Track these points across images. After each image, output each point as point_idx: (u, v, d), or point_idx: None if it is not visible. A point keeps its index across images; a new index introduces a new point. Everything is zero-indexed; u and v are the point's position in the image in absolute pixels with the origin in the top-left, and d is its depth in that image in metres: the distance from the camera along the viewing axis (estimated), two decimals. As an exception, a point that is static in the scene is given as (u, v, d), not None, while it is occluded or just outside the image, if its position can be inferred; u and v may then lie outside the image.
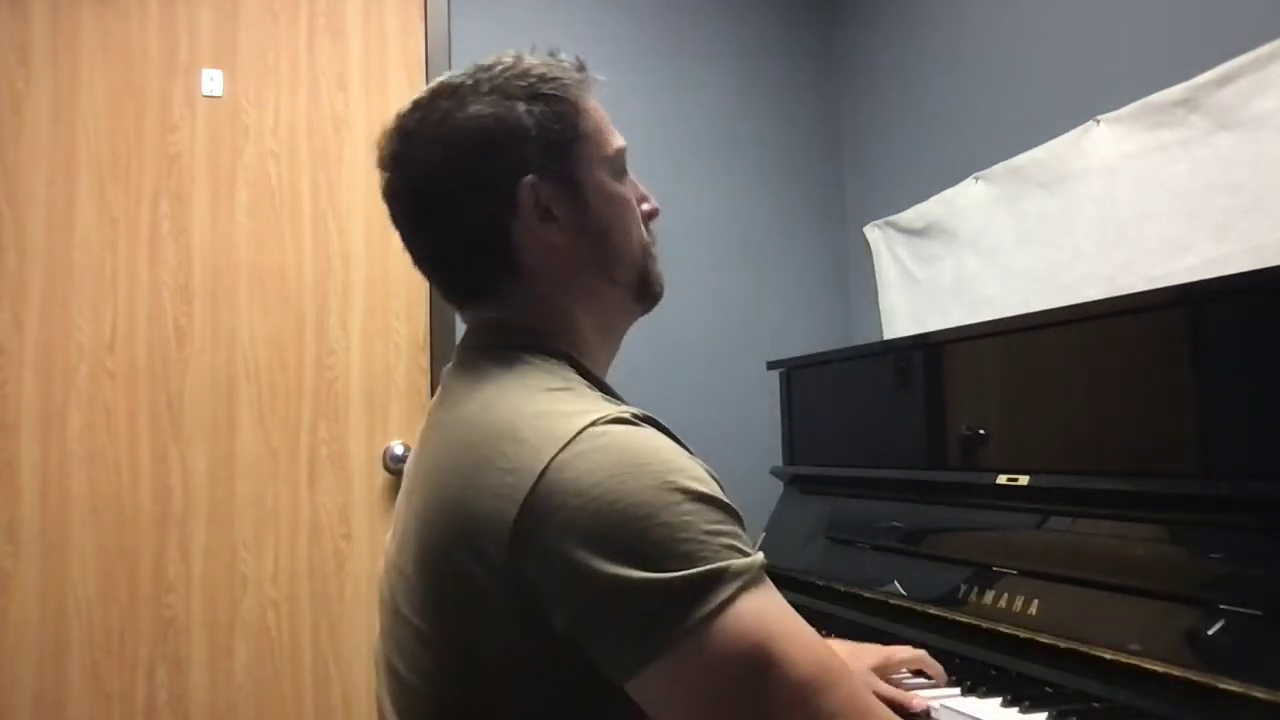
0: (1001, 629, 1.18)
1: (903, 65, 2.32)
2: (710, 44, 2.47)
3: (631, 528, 0.63)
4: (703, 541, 0.63)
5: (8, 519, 1.86)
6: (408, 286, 2.14)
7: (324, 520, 2.04)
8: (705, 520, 0.64)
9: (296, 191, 2.09)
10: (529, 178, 0.78)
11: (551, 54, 0.85)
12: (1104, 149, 1.68)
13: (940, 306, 2.12)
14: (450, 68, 2.20)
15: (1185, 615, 0.99)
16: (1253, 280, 1.10)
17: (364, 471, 2.08)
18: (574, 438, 0.66)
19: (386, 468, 2.07)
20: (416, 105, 0.83)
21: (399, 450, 2.07)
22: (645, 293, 0.88)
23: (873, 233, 2.38)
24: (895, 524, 1.52)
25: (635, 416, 0.70)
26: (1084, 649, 1.05)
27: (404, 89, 2.18)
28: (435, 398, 0.83)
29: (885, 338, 2.29)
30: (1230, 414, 1.09)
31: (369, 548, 2.07)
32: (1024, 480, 1.28)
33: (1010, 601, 1.19)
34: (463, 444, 0.72)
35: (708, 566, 0.62)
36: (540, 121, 0.80)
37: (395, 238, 0.88)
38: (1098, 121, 1.70)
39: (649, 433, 0.69)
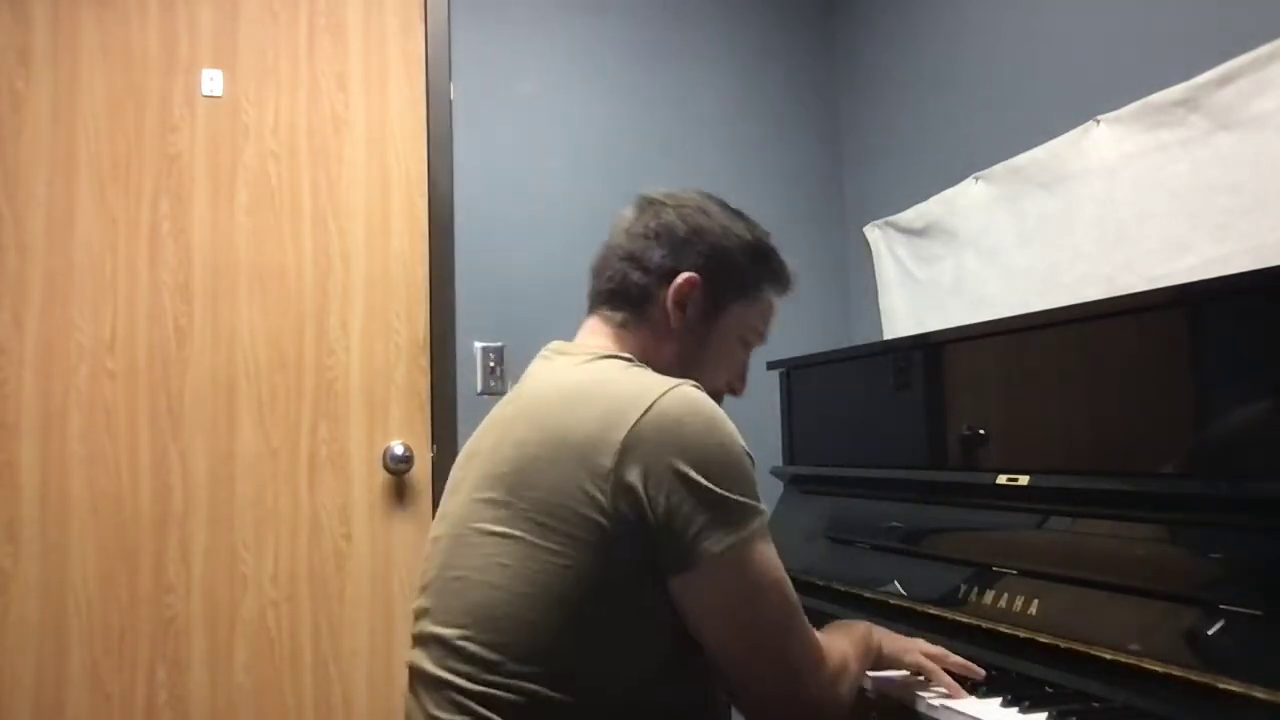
0: (1001, 629, 1.18)
1: (903, 65, 2.32)
2: (710, 44, 2.47)
3: (719, 456, 0.88)
4: (751, 485, 0.90)
5: (8, 519, 1.86)
6: (408, 286, 2.14)
7: (324, 520, 2.04)
8: (750, 471, 0.91)
9: (296, 191, 2.09)
10: (693, 274, 1.04)
11: (786, 261, 1.14)
12: (1104, 149, 1.68)
13: (940, 306, 2.12)
14: (450, 68, 2.22)
15: (1185, 615, 0.99)
16: (1253, 280, 1.10)
17: (364, 471, 2.08)
18: (669, 390, 0.89)
19: (386, 468, 2.07)
20: (683, 194, 1.11)
21: (399, 450, 2.07)
22: None
23: (873, 233, 2.39)
24: (895, 524, 1.52)
25: (701, 388, 0.94)
26: (1084, 649, 1.05)
27: (404, 89, 2.18)
28: (522, 379, 1.06)
29: (885, 338, 2.29)
30: (1230, 414, 1.09)
31: (369, 548, 2.07)
32: (1024, 480, 1.28)
33: (1010, 601, 1.19)
34: (573, 390, 0.93)
35: (752, 502, 0.89)
36: (737, 265, 1.07)
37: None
38: (1098, 121, 1.70)
39: (714, 404, 0.93)
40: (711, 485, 0.85)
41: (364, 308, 2.11)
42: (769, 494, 1.91)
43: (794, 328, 2.46)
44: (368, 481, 2.08)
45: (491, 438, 0.98)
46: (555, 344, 1.08)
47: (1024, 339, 1.41)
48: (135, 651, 1.90)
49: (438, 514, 1.04)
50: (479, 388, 2.16)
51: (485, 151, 2.22)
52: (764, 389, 2.11)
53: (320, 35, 2.13)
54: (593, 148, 2.32)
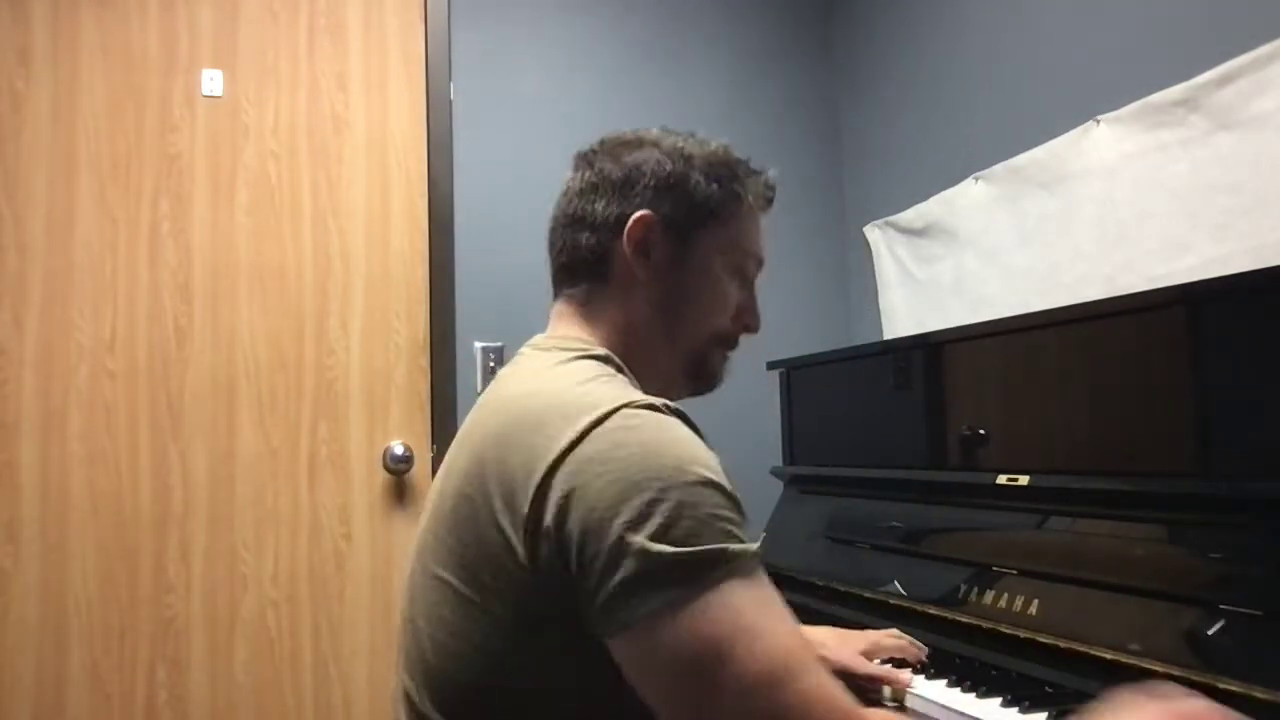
0: (1001, 629, 1.18)
1: (903, 65, 2.32)
2: (710, 44, 2.47)
3: (643, 498, 0.68)
4: (704, 522, 0.68)
5: (8, 519, 1.86)
6: (408, 286, 2.14)
7: (324, 520, 2.04)
8: (712, 503, 0.70)
9: (296, 191, 2.09)
10: (644, 212, 0.88)
11: (761, 169, 0.99)
12: (1104, 149, 1.68)
13: (940, 306, 2.12)
14: (450, 68, 2.21)
15: (1185, 615, 0.99)
16: (1253, 280, 1.10)
17: (364, 471, 2.08)
18: (609, 414, 0.73)
19: (386, 468, 2.07)
20: (621, 132, 0.96)
21: (399, 450, 2.07)
22: (695, 373, 0.95)
23: (873, 233, 2.39)
24: (895, 524, 1.52)
25: (666, 407, 0.76)
26: (1084, 649, 1.05)
27: (404, 89, 2.18)
28: (494, 380, 0.93)
29: (885, 338, 2.29)
30: (1230, 414, 1.09)
31: (369, 548, 2.07)
32: (1024, 480, 1.28)
33: (1010, 601, 1.19)
34: (507, 415, 0.79)
35: (704, 547, 0.68)
36: (695, 188, 0.90)
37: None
38: (1098, 121, 1.70)
39: (675, 422, 0.75)
40: (634, 540, 0.67)
41: (364, 308, 2.11)
42: (769, 494, 1.91)
43: (794, 328, 2.47)
44: (368, 481, 2.08)
45: (451, 456, 0.87)
46: (535, 339, 0.95)
47: (1024, 339, 1.41)
48: (135, 651, 1.90)
49: (419, 524, 0.94)
50: (479, 388, 2.16)
51: (485, 151, 2.22)
52: (764, 389, 2.12)
53: (320, 35, 2.13)
54: (593, 148, 2.31)
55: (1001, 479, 1.32)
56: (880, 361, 1.78)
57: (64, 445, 1.90)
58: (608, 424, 0.72)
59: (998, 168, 1.94)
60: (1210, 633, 0.95)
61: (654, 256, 0.89)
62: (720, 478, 0.72)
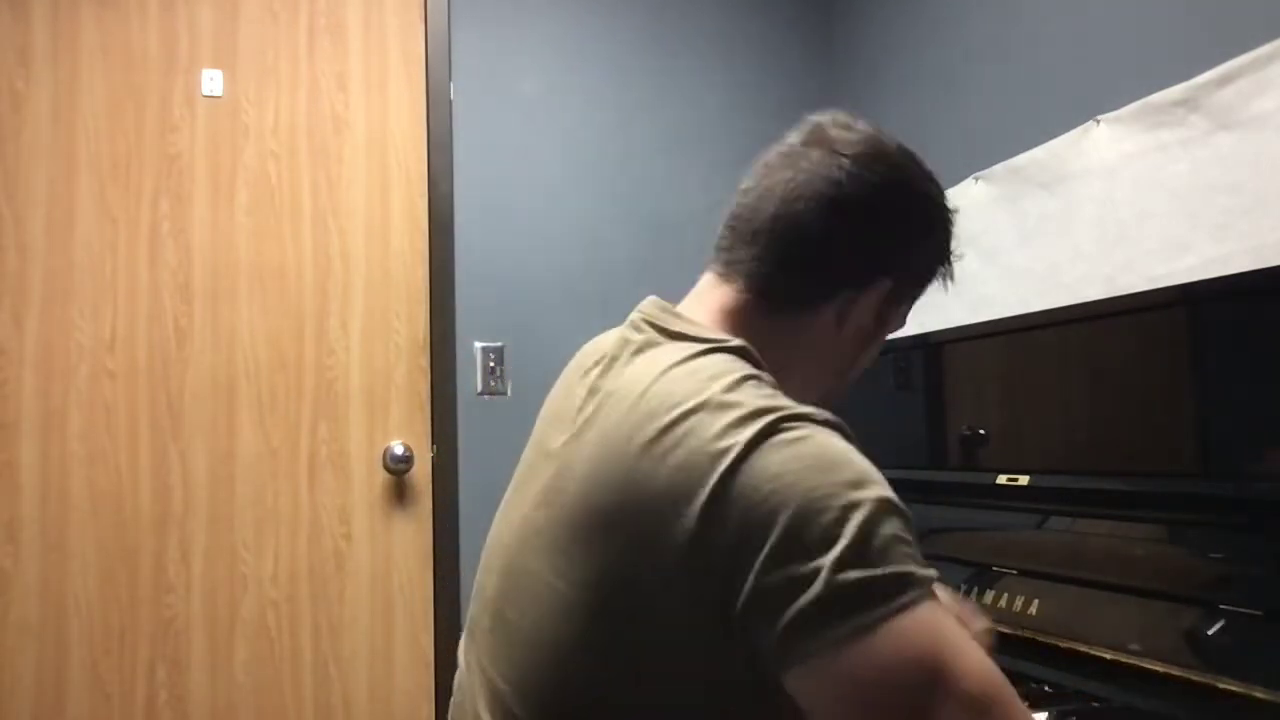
0: (1002, 629, 1.18)
1: (903, 65, 2.32)
2: (710, 44, 2.47)
3: (827, 519, 0.62)
4: (890, 546, 0.63)
5: (8, 519, 1.86)
6: (408, 286, 2.14)
7: (324, 520, 2.04)
8: (893, 527, 0.64)
9: (296, 191, 2.09)
10: (888, 283, 0.81)
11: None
12: (1104, 149, 1.68)
13: (940, 306, 2.11)
14: (450, 68, 2.21)
15: (1185, 615, 0.99)
16: (1253, 280, 1.10)
17: (364, 471, 2.08)
18: (770, 428, 0.66)
19: (386, 468, 2.07)
20: (876, 133, 0.84)
21: (399, 450, 2.07)
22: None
23: (873, 233, 2.38)
24: (895, 524, 1.51)
25: (826, 420, 0.70)
26: (1084, 649, 1.05)
27: (404, 89, 2.18)
28: (616, 344, 0.82)
29: (885, 338, 2.29)
30: (1230, 414, 1.09)
31: (369, 548, 2.07)
32: (1024, 480, 1.28)
33: (1010, 601, 1.19)
34: (642, 408, 0.70)
35: (892, 569, 0.62)
36: (934, 261, 0.85)
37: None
38: (1098, 121, 1.70)
39: (839, 437, 0.70)
40: (811, 568, 0.61)
41: (364, 308, 2.11)
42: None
43: (794, 328, 2.47)
44: (368, 481, 2.08)
45: (571, 428, 0.77)
46: (658, 309, 0.82)
47: (1024, 339, 1.41)
48: (135, 651, 1.90)
49: (513, 483, 0.85)
50: (479, 388, 2.16)
51: (485, 151, 2.22)
52: (764, 389, 2.11)
53: (320, 35, 2.13)
54: (593, 147, 2.32)
55: (1001, 479, 1.32)
56: (880, 361, 1.77)
57: (64, 445, 1.90)
58: (774, 438, 0.66)
59: (998, 168, 1.94)
60: (1210, 633, 0.95)
61: (854, 321, 0.82)
62: (894, 495, 0.66)
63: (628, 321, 0.83)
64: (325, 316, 2.08)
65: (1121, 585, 1.07)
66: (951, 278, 0.87)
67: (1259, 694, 0.86)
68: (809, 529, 0.62)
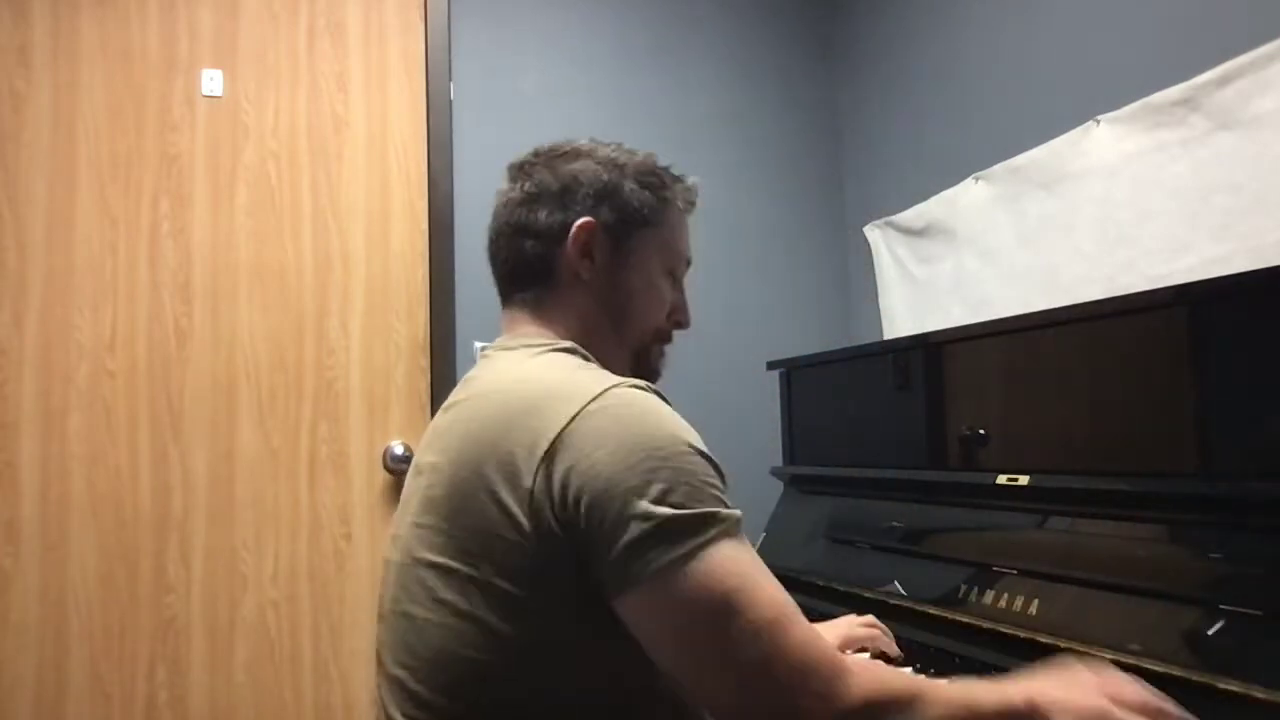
0: (1002, 629, 1.18)
1: (903, 65, 2.32)
2: (709, 43, 2.47)
3: (644, 466, 0.75)
4: (698, 488, 0.76)
5: (8, 519, 1.86)
6: (408, 286, 2.15)
7: (324, 520, 2.04)
8: (703, 471, 0.78)
9: (296, 191, 2.09)
10: (587, 219, 0.96)
11: (683, 175, 1.07)
12: (1104, 149, 1.69)
13: (940, 306, 2.12)
14: (450, 68, 2.21)
15: (1185, 615, 0.99)
16: (1253, 280, 1.10)
17: (364, 471, 2.08)
18: (602, 393, 0.79)
19: (386, 468, 2.07)
20: (554, 143, 1.04)
21: (399, 450, 2.07)
22: (638, 368, 1.02)
23: (873, 233, 2.39)
24: (895, 524, 1.52)
25: (648, 387, 0.84)
26: (1084, 649, 1.05)
27: (404, 89, 2.18)
28: (463, 381, 0.97)
29: (885, 338, 2.29)
30: (1230, 414, 1.09)
31: (369, 548, 2.07)
32: (1024, 480, 1.28)
33: (1010, 601, 1.19)
34: (499, 402, 0.84)
35: (699, 509, 0.75)
36: (629, 196, 0.99)
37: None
38: (1098, 121, 1.70)
39: (659, 400, 0.83)
40: (635, 506, 0.73)
41: (364, 308, 2.11)
42: (769, 494, 1.91)
43: (794, 328, 2.47)
44: (368, 481, 2.08)
45: (433, 452, 0.90)
46: (498, 341, 0.99)
47: (1024, 339, 1.41)
48: (135, 651, 1.90)
49: (390, 532, 0.98)
50: (479, 388, 2.16)
51: (485, 151, 2.22)
52: (764, 389, 2.12)
53: (320, 35, 2.13)
54: (593, 148, 2.31)
55: (1001, 479, 1.32)
56: (880, 361, 1.78)
57: (64, 445, 1.90)
58: (601, 401, 0.79)
59: (998, 168, 1.94)
60: (1210, 633, 0.95)
61: (597, 259, 0.96)
62: (705, 449, 0.80)
63: (480, 359, 0.99)
64: (325, 316, 2.08)
65: (1121, 585, 1.07)
66: (658, 191, 1.02)
67: (1259, 694, 0.86)
68: (626, 478, 0.74)
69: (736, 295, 2.41)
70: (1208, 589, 0.99)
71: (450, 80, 2.20)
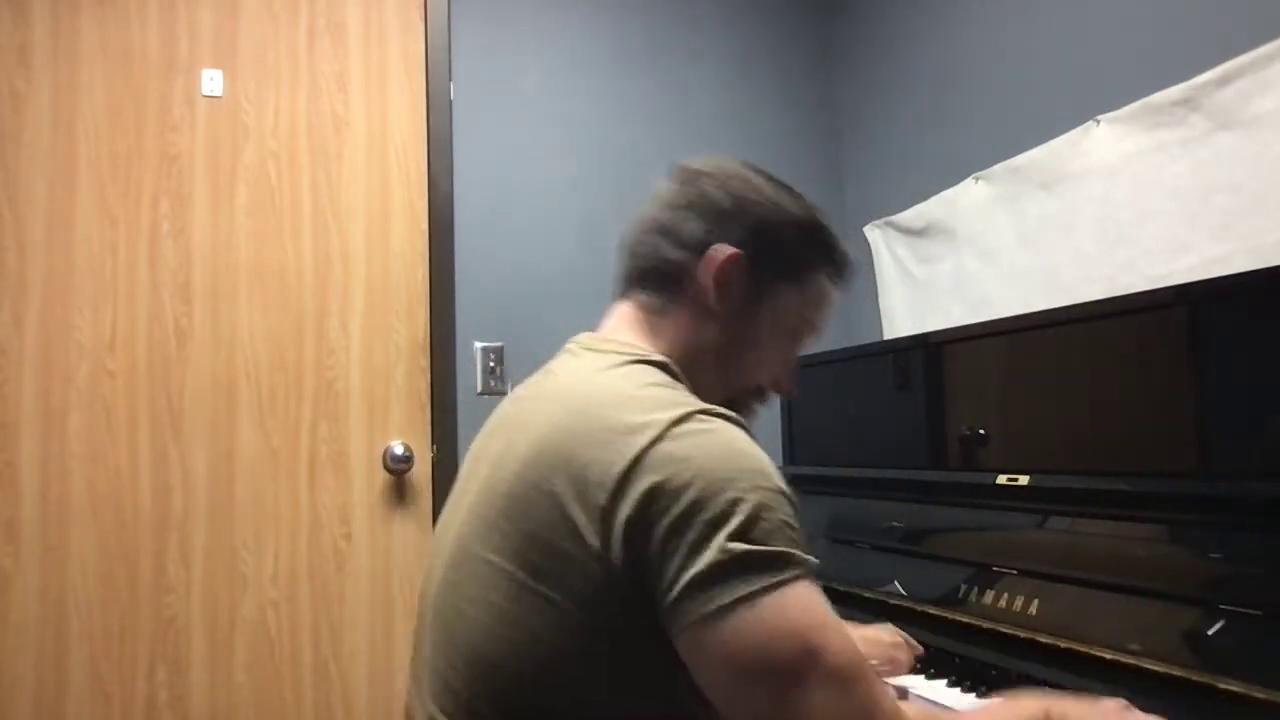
0: (1002, 629, 1.18)
1: (903, 65, 2.32)
2: (709, 43, 2.47)
3: (724, 499, 0.71)
4: (778, 527, 0.72)
5: (8, 519, 1.86)
6: (408, 286, 2.15)
7: (324, 520, 2.04)
8: (784, 512, 0.74)
9: (296, 191, 2.09)
10: (735, 250, 0.89)
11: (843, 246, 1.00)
12: (1104, 149, 1.68)
13: (940, 306, 2.12)
14: (450, 68, 2.21)
15: (1185, 615, 0.99)
16: (1253, 280, 1.10)
17: (364, 471, 2.08)
18: (686, 416, 0.76)
19: (386, 468, 2.07)
20: (731, 164, 0.99)
21: (399, 450, 2.07)
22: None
23: (873, 233, 2.39)
24: (895, 524, 1.52)
25: (733, 418, 0.79)
26: (1084, 649, 1.05)
27: (404, 89, 2.18)
28: (542, 372, 0.93)
29: (885, 338, 2.29)
30: (1230, 414, 1.09)
31: (369, 548, 2.07)
32: (1024, 480, 1.28)
33: (1010, 601, 1.19)
34: (575, 408, 0.80)
35: (777, 548, 0.71)
36: (787, 243, 0.93)
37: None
38: (1098, 121, 1.70)
39: (742, 433, 0.79)
40: (718, 529, 0.70)
41: (364, 308, 2.11)
42: (769, 494, 1.91)
43: (794, 328, 2.47)
44: (368, 481, 2.08)
45: (500, 442, 0.87)
46: (583, 337, 0.94)
47: (1024, 339, 1.41)
48: (135, 651, 1.90)
49: (447, 505, 0.93)
50: (479, 388, 2.16)
51: (485, 151, 2.22)
52: (764, 389, 2.11)
53: (320, 35, 2.13)
54: (593, 147, 2.32)
55: (1001, 479, 1.32)
56: (880, 361, 1.78)
57: (64, 445, 1.90)
58: (686, 425, 0.75)
59: (998, 168, 1.94)
60: (1210, 633, 0.95)
61: (732, 294, 0.90)
62: (788, 490, 0.76)
63: (557, 356, 0.95)
64: (325, 316, 2.08)
65: (1121, 585, 1.07)
66: (816, 251, 0.96)
67: (1259, 694, 0.86)
68: (707, 507, 0.71)
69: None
70: (1208, 589, 0.99)
71: (450, 80, 2.20)
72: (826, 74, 2.59)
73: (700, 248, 0.90)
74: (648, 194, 1.03)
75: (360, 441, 2.08)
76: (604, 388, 0.82)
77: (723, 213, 0.92)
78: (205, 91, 2.05)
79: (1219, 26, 1.50)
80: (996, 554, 1.28)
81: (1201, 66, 1.50)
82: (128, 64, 2.01)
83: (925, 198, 2.17)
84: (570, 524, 0.74)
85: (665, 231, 0.92)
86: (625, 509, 0.72)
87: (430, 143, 2.18)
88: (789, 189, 0.97)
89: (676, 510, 0.71)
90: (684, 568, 0.70)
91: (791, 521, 0.74)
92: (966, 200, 2.03)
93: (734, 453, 0.75)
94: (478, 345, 2.17)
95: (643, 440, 0.74)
